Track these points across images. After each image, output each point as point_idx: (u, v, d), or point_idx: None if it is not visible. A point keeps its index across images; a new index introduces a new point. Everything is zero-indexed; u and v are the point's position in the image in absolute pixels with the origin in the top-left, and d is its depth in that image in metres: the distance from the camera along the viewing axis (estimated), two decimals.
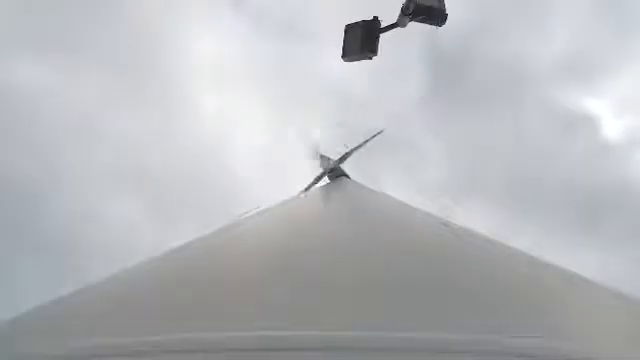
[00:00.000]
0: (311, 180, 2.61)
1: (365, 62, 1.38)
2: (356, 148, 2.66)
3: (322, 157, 2.47)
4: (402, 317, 0.37)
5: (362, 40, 1.34)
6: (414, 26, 1.28)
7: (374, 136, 2.79)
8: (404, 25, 1.31)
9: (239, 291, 0.47)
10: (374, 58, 1.35)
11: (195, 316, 0.41)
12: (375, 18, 1.35)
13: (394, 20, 1.32)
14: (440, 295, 0.44)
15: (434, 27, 1.29)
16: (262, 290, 0.46)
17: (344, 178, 2.03)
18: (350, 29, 1.36)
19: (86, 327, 0.45)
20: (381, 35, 1.34)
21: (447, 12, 1.26)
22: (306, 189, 2.60)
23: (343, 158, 2.50)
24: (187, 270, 0.62)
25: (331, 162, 2.43)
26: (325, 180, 2.44)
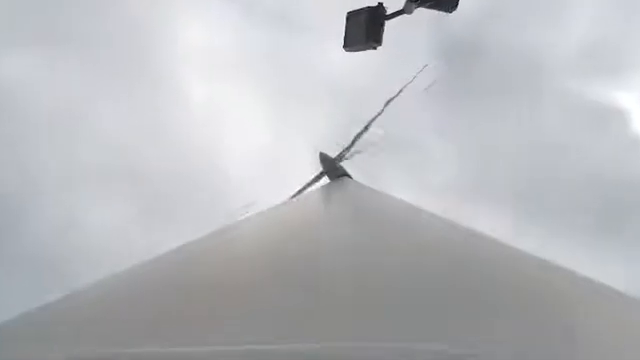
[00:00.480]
0: (310, 180, 2.62)
1: (368, 52, 1.38)
2: (356, 139, 2.67)
3: (321, 155, 2.48)
4: (408, 329, 0.38)
5: (366, 28, 1.34)
6: (422, 13, 1.29)
7: (372, 119, 2.80)
8: (411, 12, 1.31)
9: (230, 301, 0.47)
10: (378, 48, 1.35)
11: (178, 329, 0.41)
12: (380, 4, 1.35)
13: (400, 6, 1.32)
14: (451, 305, 0.44)
15: (444, 14, 1.30)
16: (256, 300, 0.46)
17: (345, 178, 2.03)
18: (353, 16, 1.36)
19: (66, 337, 0.46)
20: (386, 23, 1.34)
21: None
22: (303, 190, 2.60)
23: (343, 154, 2.51)
24: (172, 279, 0.63)
25: (331, 160, 2.43)
26: (325, 180, 2.45)
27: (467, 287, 0.53)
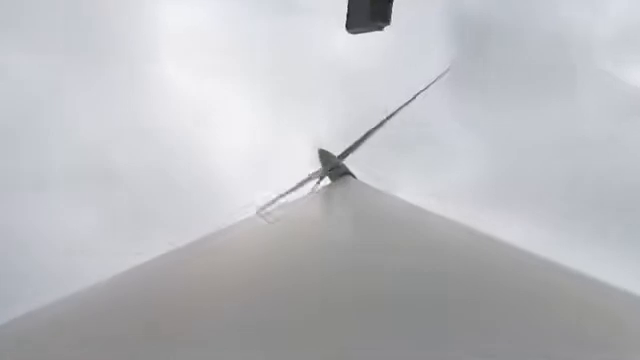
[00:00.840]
0: (309, 180, 2.60)
1: (374, 34, 1.36)
2: (361, 140, 2.65)
3: (322, 153, 2.46)
4: (415, 332, 0.38)
5: (371, 6, 1.31)
6: None
7: (381, 123, 2.78)
8: None
9: (230, 303, 0.48)
10: (385, 28, 1.33)
11: (179, 330, 0.42)
12: None
13: None
14: (458, 306, 0.45)
15: None
16: (248, 312, 0.46)
17: (348, 177, 2.02)
18: None
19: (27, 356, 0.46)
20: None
21: None
22: (299, 186, 2.59)
23: (346, 153, 2.49)
24: (174, 279, 0.63)
25: (333, 159, 2.42)
26: (327, 180, 2.44)
27: (474, 289, 0.54)
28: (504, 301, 0.50)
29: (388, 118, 2.80)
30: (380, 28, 1.28)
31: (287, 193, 2.42)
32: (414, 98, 2.98)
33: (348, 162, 2.37)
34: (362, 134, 2.69)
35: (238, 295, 0.53)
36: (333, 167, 2.24)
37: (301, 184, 2.58)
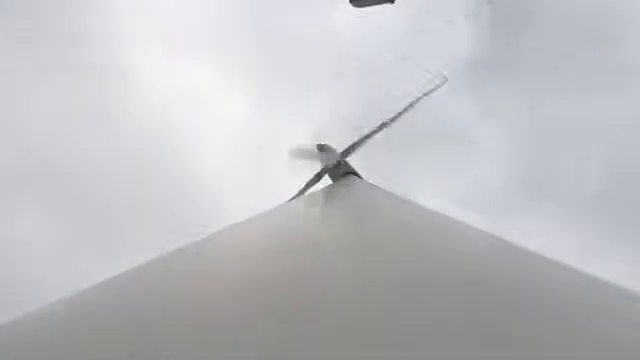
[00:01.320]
0: (308, 179, 2.60)
1: (384, 8, 1.35)
2: (369, 136, 2.65)
3: (323, 148, 2.47)
4: (423, 345, 0.40)
5: None
6: None
7: (392, 119, 2.78)
8: None
9: (221, 315, 0.50)
10: (396, 2, 1.32)
11: (162, 345, 0.44)
12: None
13: None
14: (467, 315, 0.47)
15: None
16: (242, 330, 0.48)
17: (352, 177, 2.03)
18: None
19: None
20: None
21: None
22: (301, 192, 2.60)
23: (350, 150, 2.49)
24: (172, 282, 0.66)
25: (335, 155, 2.42)
26: (327, 179, 2.44)
27: (489, 296, 0.56)
28: (521, 311, 0.52)
29: (395, 118, 2.81)
30: (391, 1, 1.27)
31: (287, 202, 2.43)
32: (417, 100, 2.98)
33: (351, 160, 2.37)
34: (368, 131, 2.70)
35: (236, 297, 0.55)
36: (335, 165, 2.25)
37: (301, 191, 2.60)
